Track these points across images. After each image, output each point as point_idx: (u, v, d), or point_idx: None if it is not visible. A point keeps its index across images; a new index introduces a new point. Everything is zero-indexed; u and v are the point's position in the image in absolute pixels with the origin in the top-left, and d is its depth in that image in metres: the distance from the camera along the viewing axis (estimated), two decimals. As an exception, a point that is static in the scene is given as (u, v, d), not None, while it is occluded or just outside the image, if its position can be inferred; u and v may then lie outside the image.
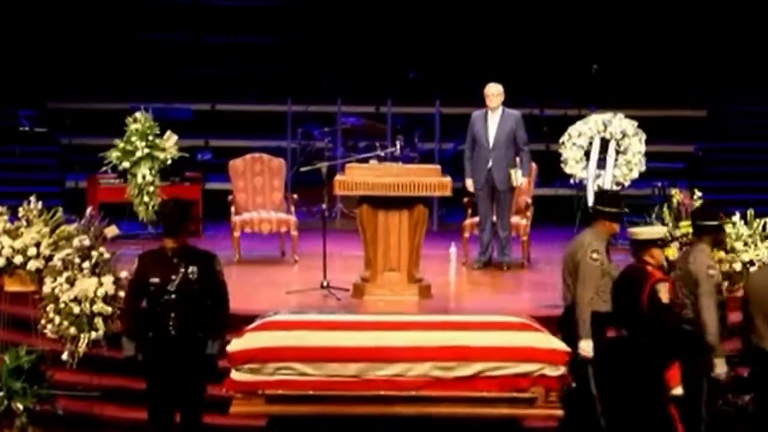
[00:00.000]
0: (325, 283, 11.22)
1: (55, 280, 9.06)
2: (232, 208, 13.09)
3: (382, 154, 12.56)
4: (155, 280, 8.11)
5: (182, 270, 8.12)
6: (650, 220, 9.46)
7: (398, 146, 12.45)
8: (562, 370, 8.35)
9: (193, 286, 8.12)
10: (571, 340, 8.64)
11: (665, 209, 9.45)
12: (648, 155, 12.22)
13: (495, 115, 12.38)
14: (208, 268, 8.23)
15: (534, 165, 12.99)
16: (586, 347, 8.60)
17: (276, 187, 13.42)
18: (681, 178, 15.93)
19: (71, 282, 9.01)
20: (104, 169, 11.58)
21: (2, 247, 9.21)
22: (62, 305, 8.98)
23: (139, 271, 8.24)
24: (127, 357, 8.32)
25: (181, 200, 8.89)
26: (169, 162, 11.56)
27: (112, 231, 9.41)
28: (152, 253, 8.40)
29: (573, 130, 12.24)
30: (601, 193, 8.87)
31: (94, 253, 9.09)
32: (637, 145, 12.04)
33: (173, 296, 8.08)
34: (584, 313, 8.64)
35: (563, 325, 9.00)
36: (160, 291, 8.10)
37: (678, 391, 8.44)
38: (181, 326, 8.10)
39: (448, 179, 11.08)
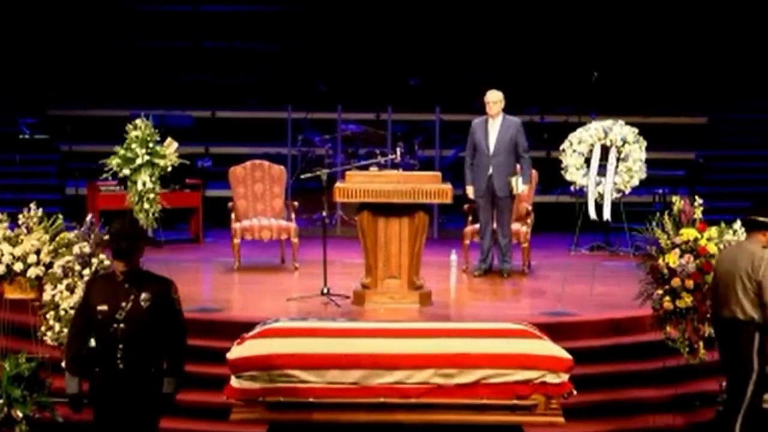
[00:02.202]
0: (325, 290, 11.21)
1: (55, 287, 9.04)
2: (233, 215, 13.09)
3: (383, 161, 12.59)
4: (103, 308, 7.12)
5: (133, 297, 7.14)
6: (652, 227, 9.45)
7: (398, 153, 12.46)
8: (563, 377, 8.33)
9: (145, 315, 7.14)
10: (742, 356, 8.40)
11: (666, 216, 9.43)
12: (649, 162, 12.20)
13: (495, 122, 12.38)
14: (164, 295, 7.24)
15: (534, 172, 12.99)
16: None
17: (276, 194, 13.42)
18: (682, 186, 15.99)
19: (71, 289, 8.99)
20: (104, 176, 11.55)
21: (2, 255, 9.18)
22: (62, 312, 8.97)
23: (85, 298, 7.30)
24: (70, 395, 7.34)
25: (133, 215, 8.39)
26: (170, 169, 11.54)
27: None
28: (101, 278, 7.62)
29: (573, 137, 12.22)
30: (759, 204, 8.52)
31: (95, 261, 9.07)
32: (637, 152, 12.02)
33: (122, 326, 7.10)
34: None
35: (728, 339, 8.55)
36: (107, 320, 7.11)
37: None
38: (130, 360, 7.12)
39: (448, 186, 11.07)
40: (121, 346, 7.11)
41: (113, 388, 7.16)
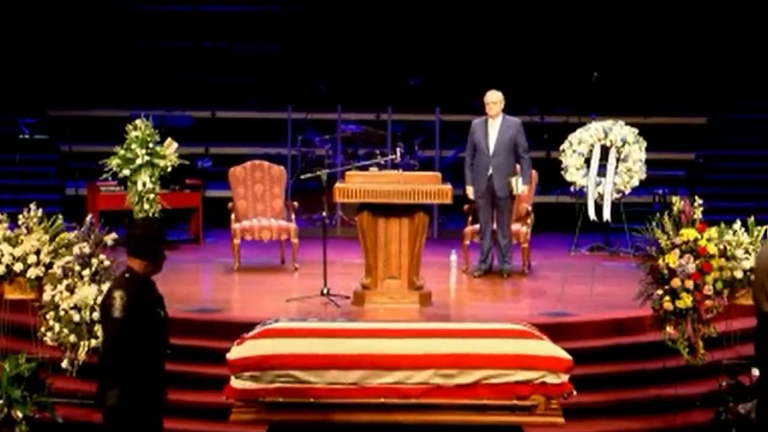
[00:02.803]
0: (325, 291, 11.21)
1: (55, 287, 9.04)
2: (233, 216, 13.09)
3: (382, 161, 12.59)
4: (159, 311, 7.18)
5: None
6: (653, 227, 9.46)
7: (398, 153, 12.45)
8: (563, 377, 8.33)
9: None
10: None
11: (666, 217, 9.43)
12: (649, 163, 12.20)
13: (495, 123, 12.39)
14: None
15: (534, 172, 12.99)
16: None
17: (276, 195, 13.42)
18: (682, 186, 15.98)
19: (71, 290, 8.99)
20: (104, 176, 11.56)
21: (2, 255, 9.18)
22: (62, 313, 8.97)
23: (142, 302, 7.02)
24: (112, 406, 7.05)
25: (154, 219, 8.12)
26: (170, 169, 11.55)
27: (112, 239, 9.35)
28: (140, 282, 7.08)
29: (573, 137, 12.21)
30: None
31: (94, 261, 9.07)
32: (637, 152, 12.01)
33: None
34: None
35: (762, 334, 8.38)
36: (163, 324, 7.22)
37: None
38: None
39: (448, 187, 11.07)
40: (169, 351, 7.28)
41: (162, 393, 7.21)
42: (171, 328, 10.58)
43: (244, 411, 8.32)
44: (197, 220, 14.87)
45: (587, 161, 12.09)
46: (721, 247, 9.21)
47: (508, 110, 12.44)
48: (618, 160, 11.97)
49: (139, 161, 11.24)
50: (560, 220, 14.74)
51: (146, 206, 11.24)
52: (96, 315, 8.93)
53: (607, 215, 11.95)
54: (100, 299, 8.91)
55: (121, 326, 6.82)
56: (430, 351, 8.32)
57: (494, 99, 12.34)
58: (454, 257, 13.15)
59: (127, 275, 6.96)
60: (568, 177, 12.17)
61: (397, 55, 18.39)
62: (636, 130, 12.14)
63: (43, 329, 9.08)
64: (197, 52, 18.96)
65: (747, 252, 9.33)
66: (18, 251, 9.20)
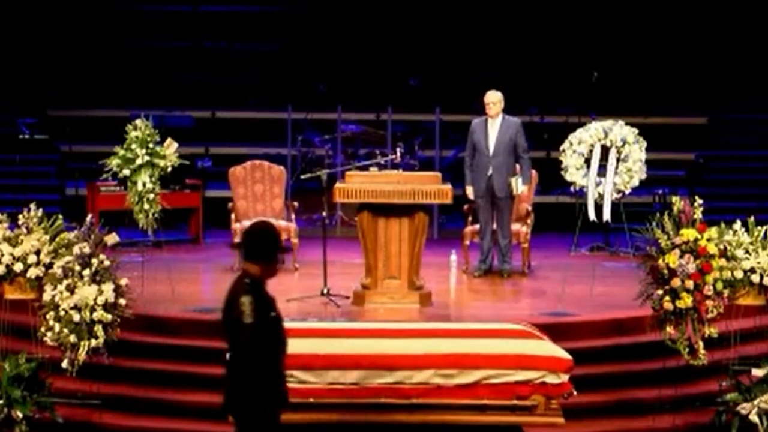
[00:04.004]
0: (325, 291, 11.21)
1: (55, 287, 9.03)
2: (233, 216, 13.09)
3: (382, 161, 12.58)
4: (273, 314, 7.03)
5: None
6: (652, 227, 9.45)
7: (398, 154, 12.45)
8: (563, 377, 8.34)
9: None
10: None
11: (666, 217, 9.42)
12: (649, 163, 12.18)
13: (495, 123, 12.39)
14: None
15: (534, 172, 12.99)
16: None
17: (276, 195, 13.42)
18: (682, 186, 15.98)
19: (71, 290, 8.98)
20: (104, 176, 11.55)
21: (2, 255, 9.18)
22: (62, 313, 8.96)
23: (271, 308, 7.03)
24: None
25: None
26: (170, 169, 11.54)
27: (112, 238, 9.38)
28: (259, 285, 7.00)
29: (573, 137, 12.19)
30: None
31: (94, 261, 9.06)
32: (637, 152, 11.99)
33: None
34: None
35: None
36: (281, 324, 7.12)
37: None
38: None
39: (448, 187, 11.08)
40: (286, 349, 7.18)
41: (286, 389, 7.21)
42: (171, 327, 10.64)
43: (244, 411, 8.31)
44: (197, 220, 14.87)
45: (587, 161, 12.08)
46: (722, 247, 9.20)
47: (508, 110, 12.44)
48: (618, 160, 11.96)
49: (139, 161, 11.23)
50: (560, 220, 14.74)
51: (146, 206, 11.23)
52: (96, 315, 8.93)
53: (607, 215, 11.94)
54: (100, 299, 8.93)
55: (253, 331, 6.86)
56: (430, 351, 8.32)
57: (494, 99, 12.34)
58: (454, 257, 13.15)
59: (246, 280, 6.93)
60: (568, 177, 12.16)
61: (397, 55, 18.39)
62: (636, 130, 12.12)
63: (43, 329, 9.07)
64: (197, 52, 18.96)
65: (747, 252, 9.33)
66: (18, 251, 9.19)
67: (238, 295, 6.85)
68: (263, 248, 6.97)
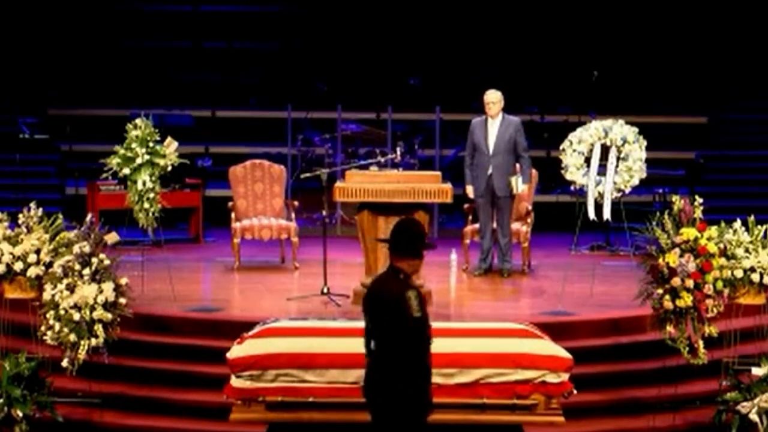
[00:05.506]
0: (325, 290, 11.21)
1: (55, 286, 9.03)
2: (233, 215, 13.09)
3: (383, 160, 12.58)
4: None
5: None
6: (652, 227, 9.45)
7: (398, 153, 12.46)
8: (563, 376, 8.33)
9: None
10: None
11: (666, 216, 9.42)
12: (649, 162, 12.17)
13: (495, 122, 12.39)
14: None
15: (534, 172, 12.99)
16: None
17: (276, 194, 13.42)
18: (682, 185, 15.98)
19: (71, 289, 8.98)
20: (104, 175, 11.55)
21: (2, 254, 9.18)
22: (62, 312, 8.96)
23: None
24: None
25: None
26: (170, 169, 11.54)
27: (112, 238, 9.38)
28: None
29: (573, 136, 12.18)
30: None
31: (95, 260, 9.06)
32: (637, 151, 11.99)
33: None
34: None
35: None
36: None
37: None
38: None
39: (448, 186, 11.07)
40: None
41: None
42: (171, 327, 10.64)
43: (244, 410, 8.33)
44: (197, 219, 14.87)
45: (587, 160, 12.08)
46: (722, 246, 9.20)
47: (508, 110, 12.44)
48: (618, 159, 11.95)
49: (139, 160, 11.23)
50: (560, 219, 14.73)
51: (146, 205, 11.23)
52: (96, 314, 8.93)
53: (607, 214, 11.93)
54: (100, 298, 8.93)
55: (422, 324, 6.98)
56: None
57: (494, 99, 12.34)
58: (454, 256, 13.15)
59: (401, 276, 7.00)
60: (568, 176, 12.15)
61: (397, 55, 18.39)
62: (636, 129, 12.12)
63: (43, 328, 9.07)
64: (197, 52, 18.96)
65: (747, 251, 9.32)
66: (18, 250, 9.19)
67: (400, 290, 6.93)
68: (414, 244, 7.03)
